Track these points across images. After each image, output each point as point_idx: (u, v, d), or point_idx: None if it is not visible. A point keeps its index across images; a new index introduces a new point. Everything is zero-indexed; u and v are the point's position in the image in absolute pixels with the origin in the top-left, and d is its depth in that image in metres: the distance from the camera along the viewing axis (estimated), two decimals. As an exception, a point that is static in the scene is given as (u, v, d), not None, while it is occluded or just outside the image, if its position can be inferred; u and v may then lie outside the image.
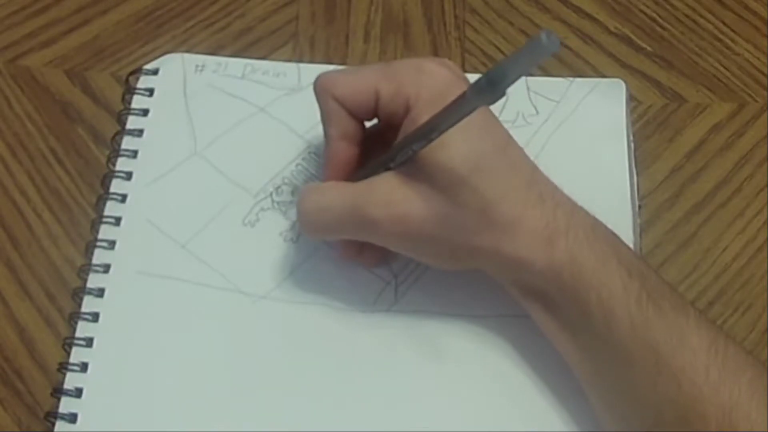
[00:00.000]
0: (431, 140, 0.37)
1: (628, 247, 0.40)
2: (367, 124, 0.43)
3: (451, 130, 0.37)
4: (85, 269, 0.46)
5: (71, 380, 0.43)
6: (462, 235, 0.39)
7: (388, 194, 0.39)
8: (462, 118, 0.36)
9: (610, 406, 0.39)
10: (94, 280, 0.45)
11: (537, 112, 0.50)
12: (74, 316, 0.44)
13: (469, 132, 0.38)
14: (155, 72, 0.51)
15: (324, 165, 0.43)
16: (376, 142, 0.43)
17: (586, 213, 0.40)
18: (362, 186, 0.40)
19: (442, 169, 0.38)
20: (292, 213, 0.47)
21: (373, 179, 0.40)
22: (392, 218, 0.39)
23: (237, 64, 0.52)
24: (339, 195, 0.40)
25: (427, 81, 0.40)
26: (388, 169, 0.40)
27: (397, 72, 0.41)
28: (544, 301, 0.40)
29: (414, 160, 0.39)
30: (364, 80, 0.41)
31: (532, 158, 0.41)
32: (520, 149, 0.41)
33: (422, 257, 0.42)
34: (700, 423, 0.35)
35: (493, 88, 0.32)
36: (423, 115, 0.38)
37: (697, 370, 0.36)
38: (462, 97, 0.35)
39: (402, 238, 0.40)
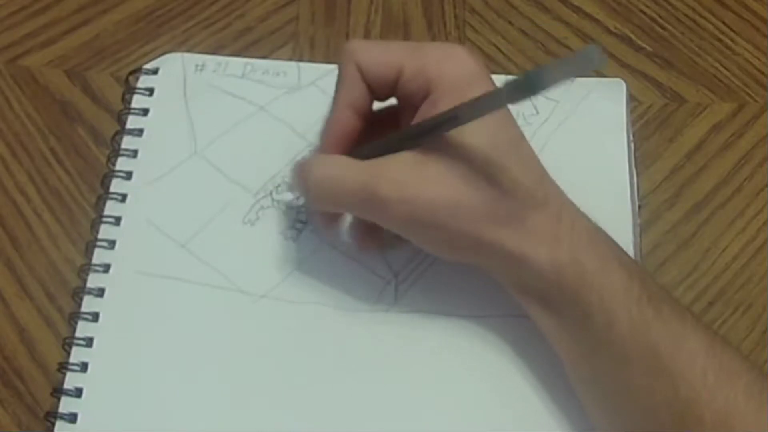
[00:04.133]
0: (453, 127, 0.37)
1: (627, 253, 0.40)
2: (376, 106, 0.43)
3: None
4: (85, 269, 0.45)
5: (71, 380, 0.43)
6: (469, 225, 0.38)
7: (403, 174, 0.39)
8: (490, 111, 0.36)
9: (605, 408, 0.39)
10: (94, 280, 0.45)
11: (537, 112, 0.50)
12: (74, 316, 0.44)
13: (488, 124, 0.38)
14: (155, 72, 0.51)
15: (322, 133, 0.42)
16: (381, 126, 0.42)
17: (589, 218, 0.40)
18: (376, 163, 0.39)
19: (459, 155, 0.38)
20: (293, 212, 0.47)
21: (387, 158, 0.39)
22: (403, 199, 0.38)
23: (237, 63, 0.52)
24: (352, 168, 0.40)
25: (452, 67, 0.39)
26: (399, 149, 0.39)
27: (425, 52, 0.40)
28: (544, 301, 0.40)
29: (431, 144, 0.38)
30: (391, 54, 0.41)
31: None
32: (531, 149, 0.40)
33: (425, 244, 0.41)
34: (696, 426, 0.35)
35: (529, 88, 0.32)
36: (443, 99, 0.38)
37: (694, 373, 0.36)
38: (496, 92, 0.35)
39: (408, 221, 0.39)
